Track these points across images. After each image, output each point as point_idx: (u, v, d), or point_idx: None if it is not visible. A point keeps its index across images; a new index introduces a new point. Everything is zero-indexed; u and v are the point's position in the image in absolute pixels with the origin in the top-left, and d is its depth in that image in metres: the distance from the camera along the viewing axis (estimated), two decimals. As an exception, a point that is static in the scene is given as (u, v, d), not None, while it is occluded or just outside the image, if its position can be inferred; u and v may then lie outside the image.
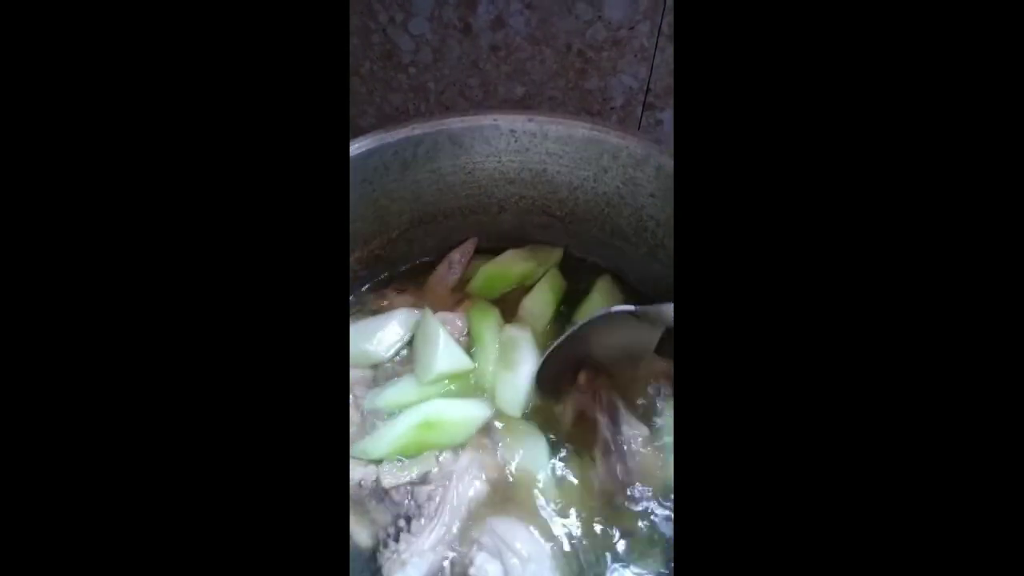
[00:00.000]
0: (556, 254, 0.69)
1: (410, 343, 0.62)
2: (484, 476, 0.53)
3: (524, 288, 0.67)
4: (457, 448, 0.55)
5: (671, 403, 0.57)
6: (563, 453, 0.55)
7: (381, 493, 0.51)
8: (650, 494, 0.52)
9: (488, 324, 0.62)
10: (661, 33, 0.69)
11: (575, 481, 0.53)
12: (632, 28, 0.69)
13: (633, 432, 0.54)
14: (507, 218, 0.68)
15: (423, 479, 0.52)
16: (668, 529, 0.51)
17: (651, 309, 0.52)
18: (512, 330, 0.62)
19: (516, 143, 0.61)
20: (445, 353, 0.57)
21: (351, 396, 0.57)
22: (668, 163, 0.57)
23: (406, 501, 0.51)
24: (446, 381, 0.58)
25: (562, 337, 0.56)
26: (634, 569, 0.49)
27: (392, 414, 0.56)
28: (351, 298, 0.66)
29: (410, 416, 0.54)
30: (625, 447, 0.53)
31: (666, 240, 0.62)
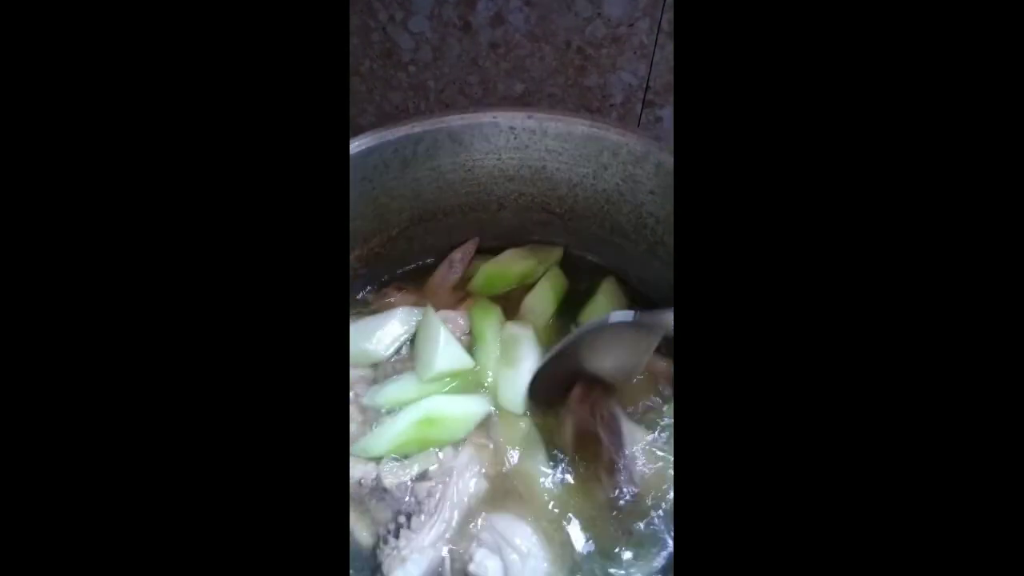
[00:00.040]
0: (556, 253, 0.69)
1: (410, 342, 0.62)
2: (484, 472, 0.53)
3: (525, 287, 0.67)
4: (457, 444, 0.55)
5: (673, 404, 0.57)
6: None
7: (381, 490, 0.51)
8: (651, 501, 0.52)
9: (490, 322, 0.62)
10: (661, 30, 0.69)
11: (574, 478, 0.54)
12: (631, 25, 0.69)
13: (638, 447, 0.53)
14: (507, 215, 0.68)
15: (423, 476, 0.53)
16: (668, 527, 0.51)
17: (649, 317, 0.51)
18: (514, 327, 0.62)
19: (515, 140, 0.61)
20: (446, 351, 0.57)
21: (351, 394, 0.58)
22: (668, 160, 0.57)
23: (406, 498, 0.51)
24: (447, 379, 0.59)
25: (553, 351, 0.54)
26: (633, 566, 0.49)
27: (392, 411, 0.56)
28: (357, 296, 0.66)
29: (410, 413, 0.54)
30: (631, 465, 0.52)
31: (666, 237, 0.62)
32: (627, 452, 0.52)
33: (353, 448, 0.54)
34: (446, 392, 0.58)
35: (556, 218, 0.68)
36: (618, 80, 0.74)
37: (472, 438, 0.55)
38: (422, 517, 0.50)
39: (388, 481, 0.51)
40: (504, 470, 0.54)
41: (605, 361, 0.54)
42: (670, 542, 0.50)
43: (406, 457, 0.54)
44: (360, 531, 0.50)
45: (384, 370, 0.60)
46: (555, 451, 0.55)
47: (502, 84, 0.77)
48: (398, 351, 0.61)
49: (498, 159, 0.63)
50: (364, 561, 0.49)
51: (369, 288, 0.67)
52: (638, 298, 0.66)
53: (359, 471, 0.52)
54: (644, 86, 0.74)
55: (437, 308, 0.62)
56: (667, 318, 0.50)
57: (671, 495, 0.52)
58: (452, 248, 0.68)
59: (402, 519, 0.50)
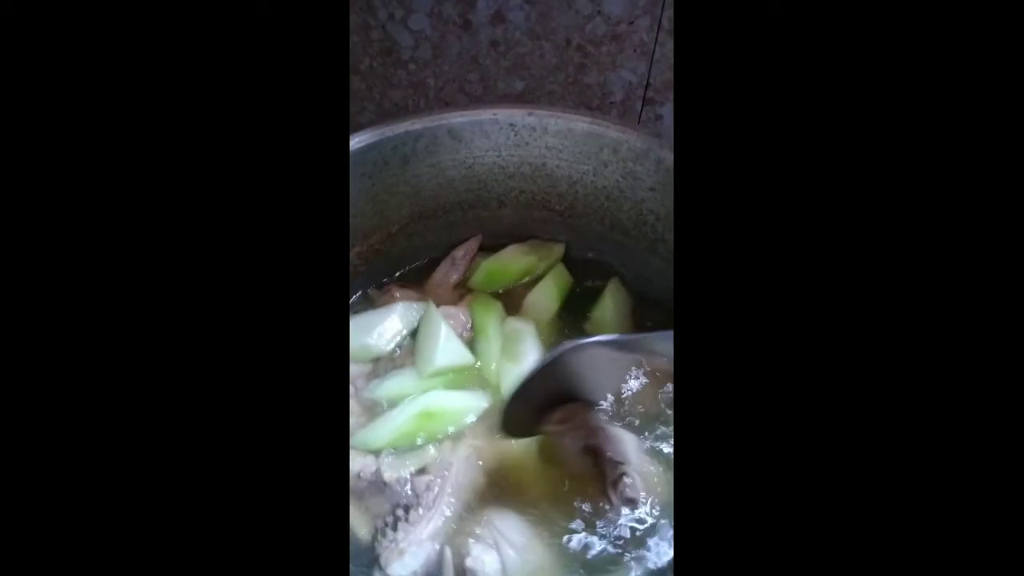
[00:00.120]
0: (558, 250, 0.69)
1: (411, 337, 0.62)
2: (482, 467, 0.53)
3: (525, 284, 0.67)
4: (456, 438, 0.55)
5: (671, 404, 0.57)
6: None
7: (380, 483, 0.51)
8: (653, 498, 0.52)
9: (491, 317, 0.62)
10: (661, 28, 0.69)
11: (571, 474, 0.53)
12: (632, 23, 0.69)
13: (636, 459, 0.52)
14: (507, 212, 0.68)
15: (422, 469, 0.53)
16: (666, 521, 0.51)
17: (627, 338, 0.50)
18: (515, 323, 0.62)
19: (516, 137, 0.62)
20: (446, 347, 0.58)
21: (351, 388, 0.58)
22: (668, 157, 0.57)
23: (404, 491, 0.51)
24: (447, 375, 0.59)
25: (526, 375, 0.50)
26: (632, 560, 0.49)
27: (392, 405, 0.56)
28: (358, 294, 0.66)
29: (409, 406, 0.55)
30: (631, 477, 0.50)
31: (666, 234, 0.62)
32: (632, 459, 0.51)
33: (352, 441, 0.54)
34: (446, 387, 0.58)
35: (556, 215, 0.68)
36: (618, 78, 0.75)
37: (471, 432, 0.55)
38: (420, 511, 0.50)
39: (387, 474, 0.51)
40: (503, 465, 0.54)
41: (583, 382, 0.52)
42: (670, 535, 0.50)
43: (405, 451, 0.54)
44: (358, 524, 0.51)
45: (384, 365, 0.60)
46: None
47: (502, 82, 0.77)
48: (399, 346, 0.61)
49: (498, 156, 0.63)
50: (362, 554, 0.49)
51: (371, 286, 0.67)
52: (640, 297, 0.66)
53: (358, 464, 0.52)
54: (644, 84, 0.75)
55: (438, 305, 0.62)
56: (646, 340, 0.49)
57: (671, 493, 0.52)
58: (452, 245, 0.68)
59: (400, 512, 0.50)
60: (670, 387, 0.57)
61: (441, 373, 0.58)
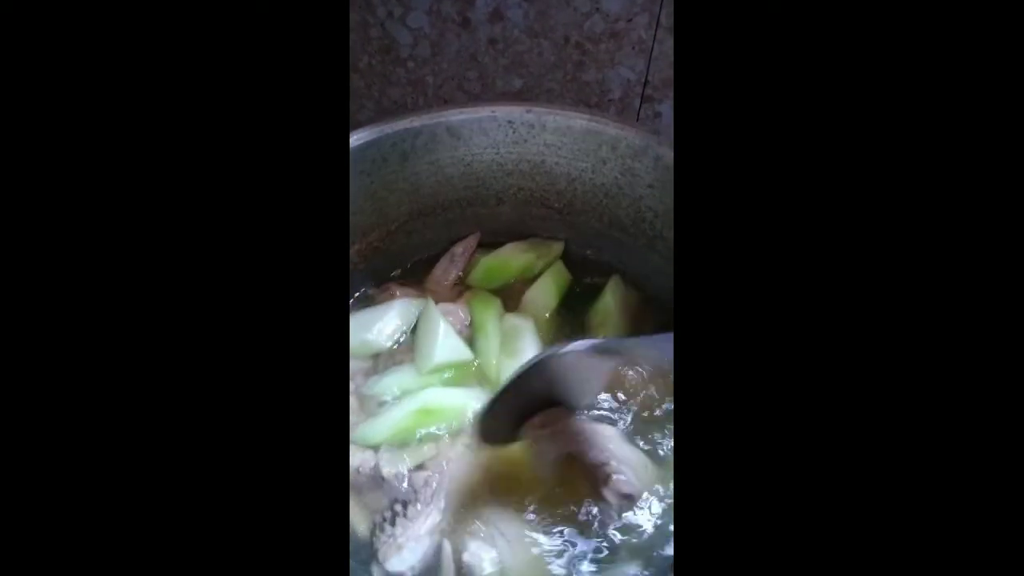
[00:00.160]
0: (557, 248, 0.69)
1: (410, 333, 0.62)
2: (480, 462, 0.53)
3: (524, 281, 0.67)
4: (454, 434, 0.55)
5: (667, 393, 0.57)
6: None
7: (378, 478, 0.52)
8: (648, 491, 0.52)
9: (490, 314, 0.62)
10: (659, 25, 0.69)
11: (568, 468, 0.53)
12: (630, 20, 0.69)
13: (620, 452, 0.51)
14: (506, 210, 0.68)
15: (420, 465, 0.53)
16: (662, 517, 0.51)
17: (605, 344, 0.50)
18: (514, 319, 0.62)
19: (514, 134, 0.62)
20: (445, 343, 0.58)
21: (351, 384, 0.58)
22: (666, 154, 0.57)
23: (403, 486, 0.51)
24: (446, 371, 0.59)
25: (501, 386, 0.49)
26: (628, 554, 0.49)
27: (391, 401, 0.57)
28: (358, 293, 0.67)
29: (408, 403, 0.55)
30: (621, 473, 0.50)
31: (664, 231, 0.62)
32: (616, 454, 0.51)
33: (351, 436, 0.54)
34: (444, 384, 0.58)
35: (555, 212, 0.68)
36: (616, 75, 0.75)
37: (469, 429, 0.55)
38: (418, 506, 0.50)
39: (385, 470, 0.52)
40: (500, 461, 0.54)
41: (562, 389, 0.52)
42: (664, 531, 0.50)
43: (403, 446, 0.54)
44: (356, 519, 0.51)
45: (384, 361, 0.60)
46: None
47: (500, 80, 0.77)
48: (398, 343, 0.61)
49: (497, 153, 0.63)
50: (360, 549, 0.50)
51: (370, 284, 0.67)
52: (640, 293, 0.66)
53: (357, 459, 0.52)
54: (643, 81, 0.75)
55: (437, 302, 0.62)
56: (624, 344, 0.49)
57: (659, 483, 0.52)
58: (452, 243, 0.69)
59: (398, 508, 0.50)
60: (653, 390, 0.57)
61: (440, 369, 0.58)
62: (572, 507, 0.51)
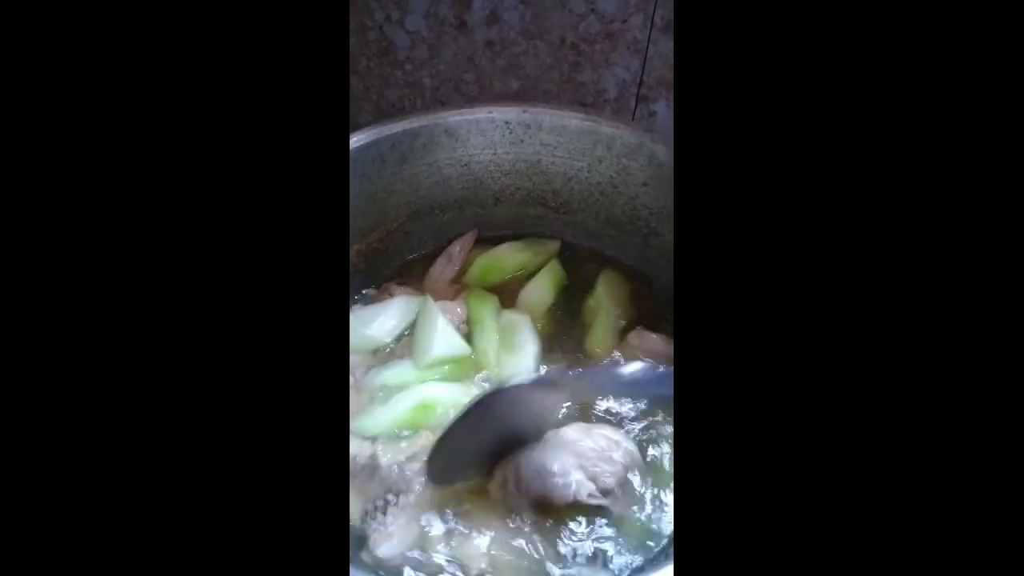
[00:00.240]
0: (553, 246, 0.69)
1: (408, 329, 0.63)
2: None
3: (521, 279, 0.67)
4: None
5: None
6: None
7: (373, 467, 0.52)
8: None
9: (487, 310, 0.63)
10: (654, 25, 0.70)
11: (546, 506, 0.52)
12: (625, 21, 0.70)
13: (582, 459, 0.50)
14: (503, 209, 0.69)
15: (414, 456, 0.53)
16: (655, 513, 0.51)
17: (550, 375, 0.49)
18: (511, 315, 0.63)
19: (511, 135, 0.62)
20: (443, 338, 0.58)
21: (351, 377, 0.59)
22: (661, 151, 0.58)
23: (396, 477, 0.52)
24: (443, 366, 0.60)
25: (450, 422, 0.48)
26: (615, 548, 0.50)
27: (389, 394, 0.57)
28: (357, 295, 0.67)
29: (407, 398, 0.56)
30: (586, 487, 0.49)
31: (660, 228, 0.63)
32: (576, 464, 0.49)
33: (350, 427, 0.55)
34: (442, 378, 0.59)
35: (552, 211, 0.69)
36: (612, 76, 0.75)
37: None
38: (411, 497, 0.51)
39: (381, 460, 0.52)
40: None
41: (512, 425, 0.50)
42: (654, 526, 0.51)
43: (400, 438, 0.55)
44: (350, 505, 0.51)
45: (383, 356, 0.61)
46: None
47: (497, 81, 0.78)
48: (397, 339, 0.62)
49: (494, 154, 0.64)
50: (352, 534, 0.50)
51: (369, 283, 0.68)
52: (635, 288, 0.66)
53: (354, 448, 0.53)
54: (638, 81, 0.75)
55: (436, 299, 0.63)
56: (569, 377, 0.48)
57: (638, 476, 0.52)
58: (450, 243, 0.69)
59: (391, 497, 0.51)
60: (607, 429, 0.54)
61: (438, 364, 0.59)
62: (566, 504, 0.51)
